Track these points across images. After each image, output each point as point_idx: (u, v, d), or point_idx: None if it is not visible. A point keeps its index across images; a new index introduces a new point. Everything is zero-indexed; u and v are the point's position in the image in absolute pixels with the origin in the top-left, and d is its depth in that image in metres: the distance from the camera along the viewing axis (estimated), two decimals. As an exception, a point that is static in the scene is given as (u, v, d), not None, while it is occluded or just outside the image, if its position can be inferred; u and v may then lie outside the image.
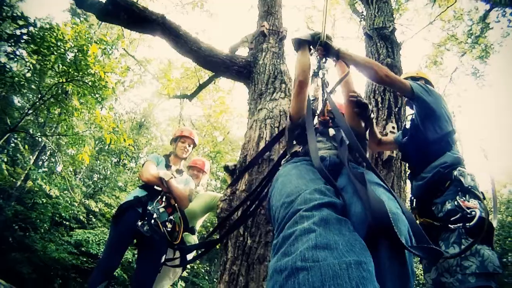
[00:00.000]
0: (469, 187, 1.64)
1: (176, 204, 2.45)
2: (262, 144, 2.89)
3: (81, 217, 12.35)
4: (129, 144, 7.50)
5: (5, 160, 10.60)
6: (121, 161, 17.51)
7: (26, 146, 10.17)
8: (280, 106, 3.28)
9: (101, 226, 12.35)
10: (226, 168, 3.17)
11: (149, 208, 2.27)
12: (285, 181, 1.17)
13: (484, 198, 1.65)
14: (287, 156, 1.63)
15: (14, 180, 11.45)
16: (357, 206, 0.99)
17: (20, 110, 12.61)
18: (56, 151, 10.93)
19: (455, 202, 1.60)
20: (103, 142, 14.92)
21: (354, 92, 1.67)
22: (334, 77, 1.89)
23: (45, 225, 11.32)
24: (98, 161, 15.57)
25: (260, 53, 4.31)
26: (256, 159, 2.67)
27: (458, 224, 1.54)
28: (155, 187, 2.42)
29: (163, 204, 2.35)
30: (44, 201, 11.08)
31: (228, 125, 16.32)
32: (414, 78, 2.19)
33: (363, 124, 1.73)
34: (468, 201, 1.58)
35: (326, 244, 0.74)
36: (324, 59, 1.79)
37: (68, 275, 11.09)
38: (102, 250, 10.43)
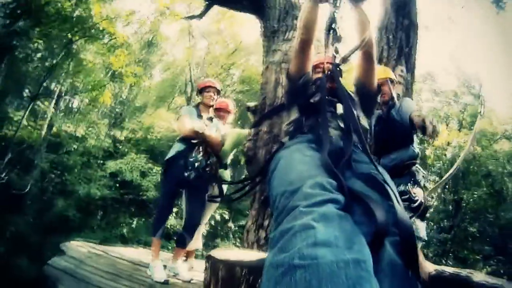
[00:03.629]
0: (419, 180, 2.32)
1: (211, 150, 2.90)
2: (279, 90, 3.15)
3: (110, 149, 13.07)
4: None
5: (25, 115, 10.76)
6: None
7: (46, 102, 10.37)
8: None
9: (130, 152, 12.96)
10: (248, 108, 3.74)
11: (190, 159, 2.73)
12: (287, 166, 1.13)
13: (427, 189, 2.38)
14: (290, 128, 1.52)
15: (38, 131, 11.78)
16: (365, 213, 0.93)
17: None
18: (74, 94, 11.11)
19: (407, 187, 2.24)
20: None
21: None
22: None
23: (78, 166, 12.10)
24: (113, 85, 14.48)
25: (271, -17, 4.13)
26: (272, 114, 3.02)
27: (406, 203, 2.15)
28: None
29: (201, 153, 2.79)
30: (75, 147, 11.68)
31: (239, 33, 16.10)
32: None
33: (375, 83, 1.55)
34: (416, 189, 2.24)
35: (325, 241, 0.72)
36: (339, 3, 1.41)
37: (107, 206, 12.33)
38: (135, 176, 11.44)
